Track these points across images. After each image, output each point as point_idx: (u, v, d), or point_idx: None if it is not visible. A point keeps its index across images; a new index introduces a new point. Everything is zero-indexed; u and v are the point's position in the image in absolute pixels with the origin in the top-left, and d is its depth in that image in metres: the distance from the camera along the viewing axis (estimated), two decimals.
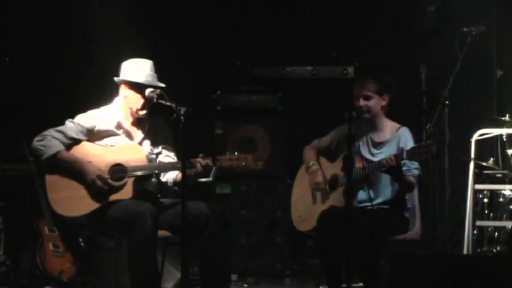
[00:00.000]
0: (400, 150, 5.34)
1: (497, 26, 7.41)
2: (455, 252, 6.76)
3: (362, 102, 5.64)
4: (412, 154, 5.29)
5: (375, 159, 5.60)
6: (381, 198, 5.64)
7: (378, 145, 5.71)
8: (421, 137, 6.04)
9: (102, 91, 5.97)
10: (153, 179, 5.63)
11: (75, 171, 5.42)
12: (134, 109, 5.58)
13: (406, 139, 5.62)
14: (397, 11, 7.42)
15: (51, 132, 5.49)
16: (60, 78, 7.33)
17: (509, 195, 6.58)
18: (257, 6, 7.67)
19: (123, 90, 5.61)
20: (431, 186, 6.39)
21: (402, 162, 5.39)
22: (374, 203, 5.60)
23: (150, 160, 5.59)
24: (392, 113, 5.78)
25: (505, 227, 6.56)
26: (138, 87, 5.54)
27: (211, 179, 5.48)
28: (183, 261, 5.11)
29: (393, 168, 5.39)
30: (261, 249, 6.98)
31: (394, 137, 5.68)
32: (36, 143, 5.46)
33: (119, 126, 5.60)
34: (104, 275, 6.44)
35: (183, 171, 5.13)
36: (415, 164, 5.52)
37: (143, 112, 5.57)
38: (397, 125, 5.74)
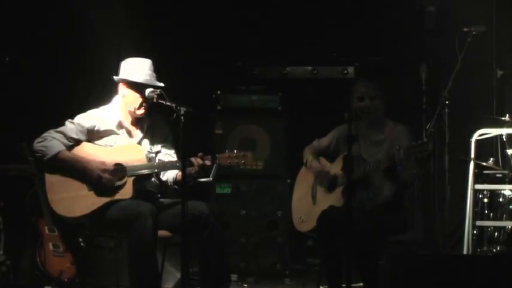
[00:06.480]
0: (397, 149, 5.35)
1: (497, 26, 7.40)
2: (455, 252, 6.76)
3: (368, 102, 5.65)
4: (408, 153, 5.29)
5: (373, 158, 5.60)
6: (379, 198, 5.64)
7: (376, 144, 5.71)
8: (421, 136, 6.04)
9: (101, 91, 5.97)
10: (153, 179, 5.63)
11: (78, 169, 5.42)
12: (132, 109, 5.57)
13: (403, 137, 5.61)
14: (397, 11, 7.42)
15: (51, 133, 5.49)
16: (60, 79, 7.31)
17: (509, 195, 6.57)
18: (257, 6, 7.66)
19: (122, 89, 5.61)
20: (431, 186, 6.39)
21: (399, 160, 5.39)
22: (372, 202, 5.61)
23: (149, 159, 5.59)
24: (393, 113, 5.78)
25: (505, 227, 6.55)
26: (136, 87, 5.54)
27: (211, 178, 5.48)
28: (183, 261, 5.12)
29: (390, 167, 5.39)
30: (261, 249, 6.97)
31: (392, 136, 5.68)
32: (37, 144, 5.47)
33: (120, 125, 5.60)
34: (104, 275, 6.44)
35: (182, 171, 5.13)
36: (412, 163, 5.52)
37: (141, 112, 5.57)
38: (395, 124, 5.75)
